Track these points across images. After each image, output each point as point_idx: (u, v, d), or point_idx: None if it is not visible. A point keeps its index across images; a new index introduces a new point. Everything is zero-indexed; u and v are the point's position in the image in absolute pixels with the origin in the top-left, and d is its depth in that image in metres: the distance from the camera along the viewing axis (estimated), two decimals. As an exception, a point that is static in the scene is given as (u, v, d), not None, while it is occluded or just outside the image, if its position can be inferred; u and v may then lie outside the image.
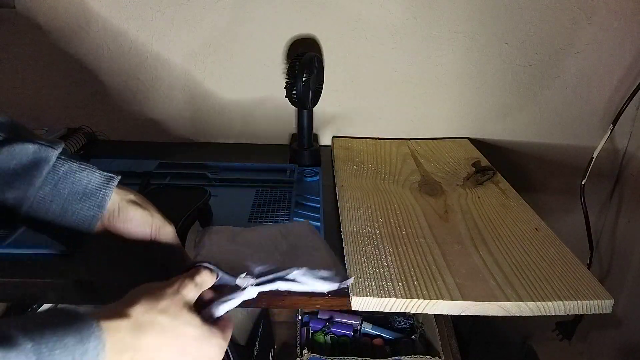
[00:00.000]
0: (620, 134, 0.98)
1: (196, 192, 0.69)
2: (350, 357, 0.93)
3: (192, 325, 0.38)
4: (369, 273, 0.56)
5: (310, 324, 1.05)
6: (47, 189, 0.41)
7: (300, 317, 1.06)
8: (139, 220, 0.44)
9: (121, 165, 0.82)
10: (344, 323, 1.05)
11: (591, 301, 0.53)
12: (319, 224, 0.67)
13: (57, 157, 0.42)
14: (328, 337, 1.03)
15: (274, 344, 1.21)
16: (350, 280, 0.51)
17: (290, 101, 0.81)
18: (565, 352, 1.12)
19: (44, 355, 0.28)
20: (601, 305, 0.53)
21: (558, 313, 0.52)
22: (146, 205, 0.46)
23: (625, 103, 0.91)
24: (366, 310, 0.52)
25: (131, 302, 0.35)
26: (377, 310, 0.52)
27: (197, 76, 0.94)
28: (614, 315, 0.99)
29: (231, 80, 0.94)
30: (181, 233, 0.60)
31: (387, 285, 0.54)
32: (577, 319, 0.99)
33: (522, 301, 0.52)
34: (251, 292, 0.46)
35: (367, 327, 1.05)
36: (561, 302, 0.52)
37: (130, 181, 0.77)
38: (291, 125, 0.98)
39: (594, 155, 0.94)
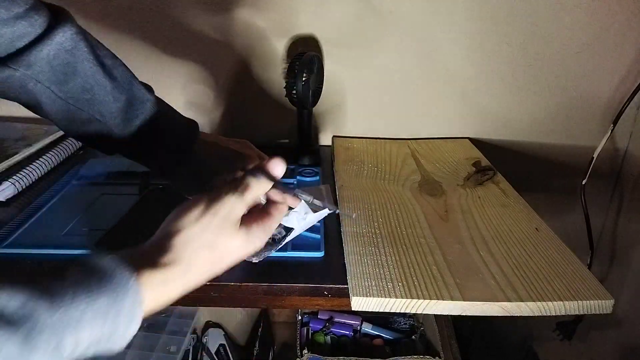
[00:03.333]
0: (620, 134, 0.98)
1: (196, 192, 0.69)
2: (350, 358, 0.93)
3: (237, 238, 0.38)
4: (369, 273, 0.56)
5: (310, 324, 1.05)
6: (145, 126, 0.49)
7: (300, 317, 1.06)
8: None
9: (121, 165, 0.82)
10: (344, 323, 1.05)
11: (591, 301, 0.53)
12: (318, 224, 0.67)
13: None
14: (328, 338, 1.03)
15: (274, 344, 1.21)
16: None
17: (290, 101, 0.81)
18: (566, 353, 1.12)
19: (71, 323, 0.28)
20: (601, 305, 0.53)
21: (558, 313, 0.52)
22: None
23: (625, 103, 0.91)
24: (366, 310, 0.52)
25: (173, 246, 0.35)
26: (377, 310, 0.52)
27: (197, 76, 0.94)
28: (614, 315, 0.99)
29: (231, 79, 0.94)
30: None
31: (387, 286, 0.54)
32: (578, 319, 0.99)
33: (523, 301, 0.52)
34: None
35: (367, 328, 1.05)
36: (561, 302, 0.52)
37: (130, 181, 0.77)
38: (291, 125, 0.98)
39: (595, 155, 0.93)
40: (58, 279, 0.30)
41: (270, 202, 0.44)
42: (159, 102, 0.53)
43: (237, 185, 0.39)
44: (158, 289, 0.33)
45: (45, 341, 0.27)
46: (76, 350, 0.29)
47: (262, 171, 0.41)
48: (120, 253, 0.33)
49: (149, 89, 0.53)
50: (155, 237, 0.37)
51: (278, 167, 0.42)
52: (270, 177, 0.41)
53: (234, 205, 0.38)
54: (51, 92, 0.45)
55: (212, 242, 0.36)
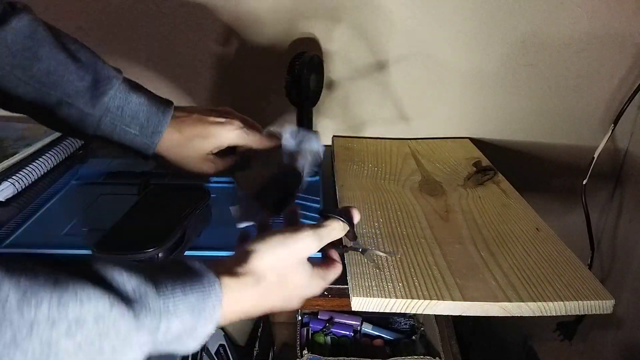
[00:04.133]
0: (621, 134, 0.97)
1: (196, 192, 0.69)
2: (350, 358, 0.93)
3: (303, 276, 0.41)
4: (369, 273, 0.56)
5: (310, 325, 1.04)
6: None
7: (300, 318, 1.05)
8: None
9: (121, 164, 0.82)
10: (344, 324, 1.05)
11: (592, 301, 0.52)
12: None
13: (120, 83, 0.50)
14: (328, 338, 1.03)
15: (274, 345, 1.21)
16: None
17: (290, 101, 0.81)
18: (566, 353, 1.12)
19: (169, 312, 0.32)
20: (602, 305, 0.53)
21: (559, 313, 0.52)
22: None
23: (626, 103, 0.91)
24: (366, 310, 0.52)
25: (259, 258, 0.39)
26: (377, 310, 0.52)
27: (197, 76, 0.93)
28: (615, 315, 0.99)
29: (230, 79, 0.94)
30: (181, 233, 0.60)
31: (387, 286, 0.53)
32: (578, 319, 0.99)
33: (523, 301, 0.52)
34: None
35: (367, 328, 1.05)
36: (562, 302, 0.52)
37: (130, 181, 0.77)
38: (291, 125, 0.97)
39: (595, 155, 0.93)
40: (161, 270, 0.34)
41: (329, 255, 0.47)
42: (129, 81, 0.53)
43: (319, 225, 0.43)
44: (233, 295, 0.36)
45: (149, 322, 0.30)
46: (165, 337, 0.32)
47: (346, 217, 0.44)
48: (205, 262, 0.37)
49: (116, 69, 0.52)
50: (233, 254, 0.40)
51: (357, 216, 0.46)
52: (350, 223, 0.45)
53: (310, 244, 0.41)
54: (15, 76, 0.46)
55: (280, 271, 0.40)
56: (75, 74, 0.48)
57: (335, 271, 0.45)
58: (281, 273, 0.40)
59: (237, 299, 0.37)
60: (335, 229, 0.44)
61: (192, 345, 0.35)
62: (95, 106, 0.49)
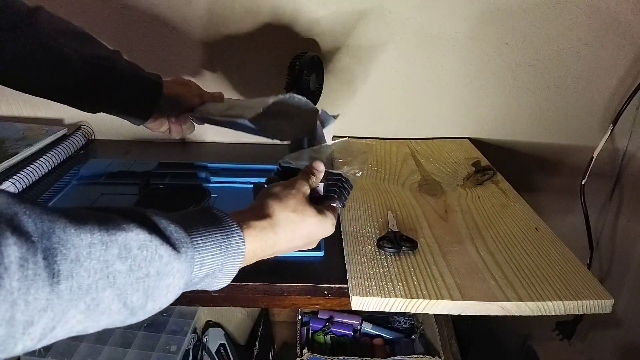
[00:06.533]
0: (620, 134, 0.98)
1: (196, 192, 0.70)
2: (350, 357, 0.93)
3: (312, 216, 0.47)
4: (369, 273, 0.56)
5: (310, 324, 1.05)
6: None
7: (300, 317, 1.06)
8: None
9: (121, 165, 0.83)
10: (344, 323, 1.05)
11: (591, 301, 0.53)
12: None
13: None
14: (328, 337, 1.03)
15: (274, 344, 1.21)
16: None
17: (290, 101, 0.81)
18: (565, 352, 1.12)
19: (199, 247, 0.37)
20: (601, 305, 0.53)
21: (558, 313, 0.53)
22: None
23: (625, 103, 0.91)
24: (366, 310, 0.53)
25: (266, 206, 0.45)
26: (377, 310, 0.53)
27: (196, 76, 0.94)
28: (614, 315, 0.99)
29: (231, 80, 0.94)
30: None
31: (387, 285, 0.54)
32: (577, 318, 0.99)
33: (522, 301, 0.52)
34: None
35: (367, 327, 1.05)
36: (561, 302, 0.52)
37: (130, 181, 0.77)
38: (291, 125, 0.98)
39: (594, 155, 0.94)
40: (187, 215, 0.39)
41: (325, 198, 0.53)
42: None
43: (304, 173, 0.51)
44: (256, 238, 0.42)
45: (185, 252, 0.35)
46: (200, 270, 0.37)
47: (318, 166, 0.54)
48: (224, 211, 0.42)
49: None
50: (252, 203, 0.47)
51: (321, 166, 0.54)
52: (321, 169, 0.54)
53: (304, 185, 0.49)
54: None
55: (294, 206, 0.46)
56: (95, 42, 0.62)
57: (334, 213, 0.51)
58: (295, 210, 0.46)
59: (260, 241, 0.42)
60: (317, 173, 0.53)
61: (224, 281, 0.40)
62: (116, 57, 0.62)
